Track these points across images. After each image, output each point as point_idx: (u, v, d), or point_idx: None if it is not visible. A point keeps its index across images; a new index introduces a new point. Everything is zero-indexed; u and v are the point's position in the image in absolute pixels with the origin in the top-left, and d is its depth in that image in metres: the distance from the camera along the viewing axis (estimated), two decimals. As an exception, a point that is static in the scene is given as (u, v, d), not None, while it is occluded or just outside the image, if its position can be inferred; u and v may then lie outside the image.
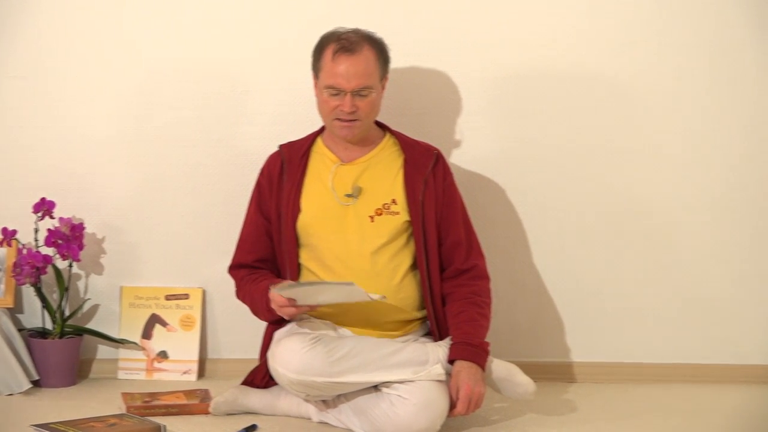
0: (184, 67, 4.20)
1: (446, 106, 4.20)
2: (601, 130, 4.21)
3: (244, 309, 3.91)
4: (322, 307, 3.72)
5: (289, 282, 3.68)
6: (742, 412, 3.89)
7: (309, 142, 3.81)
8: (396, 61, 3.84)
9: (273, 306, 3.67)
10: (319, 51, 3.74)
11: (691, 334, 4.28)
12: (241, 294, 3.91)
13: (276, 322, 3.82)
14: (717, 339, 4.27)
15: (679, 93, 4.21)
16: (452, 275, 3.76)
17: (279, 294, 3.64)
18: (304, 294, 3.63)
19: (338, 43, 3.69)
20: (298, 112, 4.03)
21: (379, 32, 3.76)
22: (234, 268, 3.86)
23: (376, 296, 3.63)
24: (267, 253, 3.78)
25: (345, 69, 3.66)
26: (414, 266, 3.73)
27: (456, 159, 4.14)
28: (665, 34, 4.21)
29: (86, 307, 4.22)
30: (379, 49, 3.75)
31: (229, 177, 4.19)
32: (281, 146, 3.81)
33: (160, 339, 4.26)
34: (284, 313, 3.65)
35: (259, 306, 3.79)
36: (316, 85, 3.71)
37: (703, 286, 4.25)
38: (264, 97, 4.17)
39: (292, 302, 3.62)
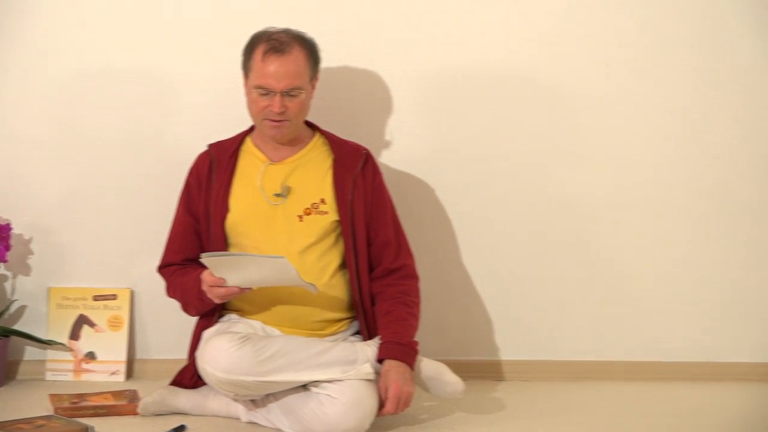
0: (113, 67, 4.17)
1: (376, 106, 4.22)
2: (529, 130, 4.23)
3: (173, 309, 3.90)
4: (250, 306, 3.72)
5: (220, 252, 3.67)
6: (667, 409, 3.94)
7: (238, 141, 3.83)
8: (326, 61, 3.85)
9: (204, 287, 3.65)
10: (249, 50, 3.75)
11: (618, 331, 4.33)
12: (172, 289, 3.90)
13: (205, 316, 3.82)
14: (643, 336, 4.32)
15: (606, 91, 4.24)
16: (381, 275, 3.78)
17: (209, 273, 3.60)
18: (233, 265, 3.61)
19: (268, 43, 3.70)
20: (227, 112, 4.04)
21: (309, 31, 3.77)
22: (163, 268, 3.87)
23: (307, 283, 3.60)
24: (196, 252, 3.75)
25: (275, 69, 3.67)
26: (343, 265, 3.76)
27: (385, 158, 4.17)
28: (591, 31, 4.23)
29: (13, 308, 4.20)
30: (310, 49, 3.76)
31: (157, 177, 4.19)
32: (210, 146, 3.83)
33: (87, 340, 4.23)
34: (214, 294, 3.63)
35: (190, 295, 3.78)
36: (246, 84, 3.71)
37: (630, 283, 4.31)
38: (193, 97, 4.18)
39: (221, 282, 3.62)
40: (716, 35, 4.26)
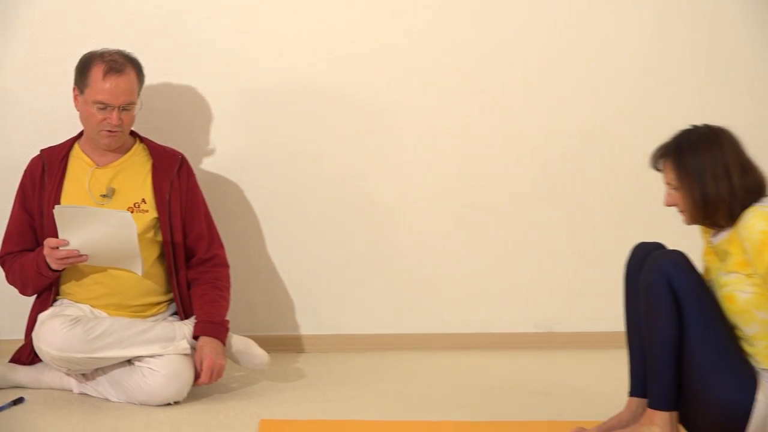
0: None
1: (191, 115, 4.33)
2: (327, 135, 4.37)
3: (11, 294, 3.95)
4: (80, 291, 3.83)
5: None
6: (446, 375, 4.15)
7: (67, 147, 3.90)
8: (147, 74, 3.95)
9: (45, 251, 3.68)
10: (85, 69, 3.82)
11: (405, 308, 4.49)
12: (11, 273, 3.91)
13: (40, 298, 3.88)
14: (427, 312, 4.49)
15: (398, 97, 4.38)
16: (196, 264, 3.93)
17: (53, 238, 3.64)
18: (81, 220, 3.63)
19: (107, 64, 3.79)
20: (57, 120, 4.12)
21: (131, 47, 3.90)
22: (1, 257, 3.92)
23: (138, 251, 3.68)
24: (32, 244, 3.86)
25: (114, 87, 3.77)
26: (162, 256, 3.89)
27: (199, 161, 4.30)
28: (377, 47, 4.35)
29: None
30: (138, 69, 3.87)
31: None
32: (42, 151, 3.90)
33: None
34: (54, 257, 3.67)
35: (29, 271, 3.81)
36: (77, 98, 3.81)
37: (417, 267, 4.47)
38: (25, 106, 4.24)
39: (64, 243, 3.65)
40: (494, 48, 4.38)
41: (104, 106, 3.75)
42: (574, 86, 4.43)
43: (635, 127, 4.43)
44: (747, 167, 3.16)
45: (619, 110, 4.47)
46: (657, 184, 3.67)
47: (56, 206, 3.64)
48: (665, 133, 3.34)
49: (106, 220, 3.65)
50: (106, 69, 3.76)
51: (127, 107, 3.79)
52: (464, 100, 4.42)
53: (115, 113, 3.76)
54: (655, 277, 3.11)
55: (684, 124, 3.29)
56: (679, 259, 3.11)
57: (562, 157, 4.46)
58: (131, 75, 3.81)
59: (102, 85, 3.76)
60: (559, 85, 4.44)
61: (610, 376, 3.82)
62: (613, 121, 4.45)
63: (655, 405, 3.16)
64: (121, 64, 3.79)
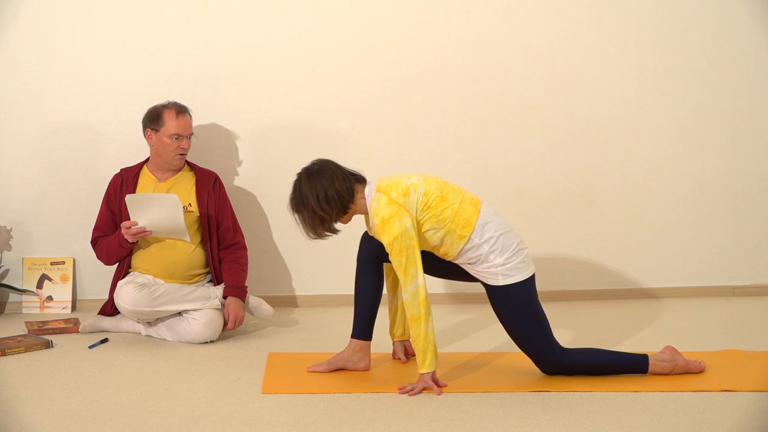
0: (65, 124, 4.46)
1: (220, 146, 4.57)
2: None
3: (99, 269, 4.32)
4: (145, 266, 4.07)
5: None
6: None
7: (138, 167, 4.26)
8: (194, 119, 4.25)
9: (122, 230, 3.89)
10: (159, 116, 4.10)
11: None
12: (98, 250, 4.13)
13: (119, 270, 4.09)
14: None
15: (359, 136, 4.56)
16: (224, 247, 4.25)
17: (127, 220, 3.88)
18: (145, 203, 3.82)
19: (175, 109, 4.10)
20: (138, 153, 4.40)
21: (185, 99, 4.25)
22: (92, 241, 4.22)
23: (185, 225, 3.90)
24: (112, 232, 4.15)
25: (184, 122, 4.11)
26: (202, 242, 4.20)
27: (227, 178, 4.58)
28: (347, 93, 4.53)
29: (1, 270, 4.59)
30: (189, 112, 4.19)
31: (88, 189, 4.52)
32: (122, 170, 4.28)
33: (48, 288, 4.58)
34: (129, 234, 3.90)
35: (112, 245, 4.02)
36: (150, 137, 4.10)
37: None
38: (117, 141, 4.50)
39: (134, 223, 3.88)
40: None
41: (178, 137, 4.08)
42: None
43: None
44: (343, 178, 3.42)
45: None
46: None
47: (128, 195, 3.92)
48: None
49: (160, 201, 3.88)
50: (176, 111, 4.10)
51: (190, 137, 4.14)
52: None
53: (185, 141, 4.11)
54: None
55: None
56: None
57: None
58: (189, 115, 4.17)
59: (176, 122, 4.07)
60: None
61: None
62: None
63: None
64: (183, 107, 4.14)
